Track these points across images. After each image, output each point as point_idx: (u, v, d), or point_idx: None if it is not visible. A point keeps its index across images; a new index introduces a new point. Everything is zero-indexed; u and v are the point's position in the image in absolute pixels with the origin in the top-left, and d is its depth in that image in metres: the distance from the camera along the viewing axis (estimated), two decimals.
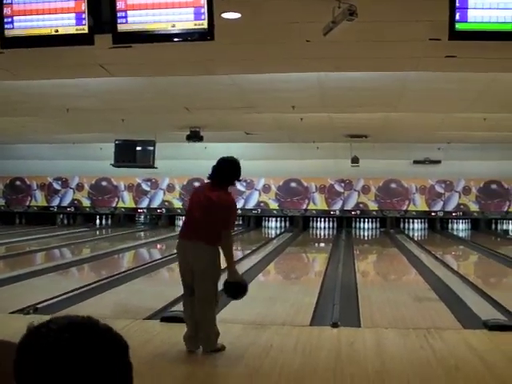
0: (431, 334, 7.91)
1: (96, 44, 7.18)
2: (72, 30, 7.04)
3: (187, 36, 6.94)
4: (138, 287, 12.11)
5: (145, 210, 29.80)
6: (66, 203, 30.01)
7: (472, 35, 6.61)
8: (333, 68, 10.66)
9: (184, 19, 6.83)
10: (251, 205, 28.64)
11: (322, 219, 28.98)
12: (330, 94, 13.33)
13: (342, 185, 28.56)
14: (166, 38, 7.03)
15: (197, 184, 27.87)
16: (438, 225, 28.64)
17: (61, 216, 30.50)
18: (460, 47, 8.14)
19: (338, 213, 28.69)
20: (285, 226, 28.98)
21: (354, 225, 28.79)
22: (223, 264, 7.31)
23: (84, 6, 6.94)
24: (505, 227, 28.37)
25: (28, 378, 1.59)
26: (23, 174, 29.82)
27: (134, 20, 6.93)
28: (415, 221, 28.80)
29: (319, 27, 7.01)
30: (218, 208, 7.23)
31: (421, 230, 28.60)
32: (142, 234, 28.11)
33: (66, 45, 7.35)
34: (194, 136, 18.63)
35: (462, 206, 28.15)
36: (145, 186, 29.51)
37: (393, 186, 28.34)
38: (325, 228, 28.76)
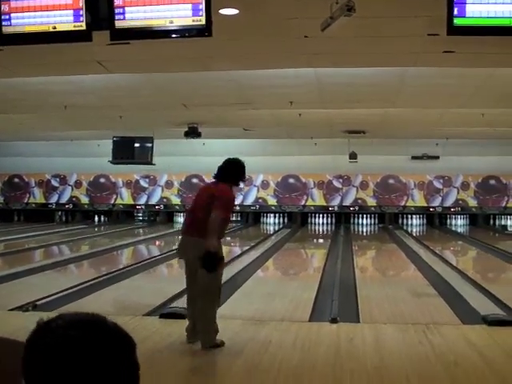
0: (430, 329, 7.91)
1: (94, 41, 7.17)
2: (70, 27, 7.03)
3: (185, 32, 6.94)
4: (136, 284, 12.11)
5: (143, 207, 29.78)
6: (64, 200, 30.01)
7: (470, 30, 6.61)
8: (331, 64, 10.66)
9: (182, 15, 6.82)
10: (250, 201, 28.63)
11: (321, 215, 28.99)
12: (328, 90, 13.33)
13: (341, 181, 28.56)
14: (164, 34, 7.02)
15: (195, 180, 28.04)
16: (436, 220, 28.65)
17: (59, 213, 30.49)
18: (458, 42, 8.15)
19: (336, 209, 28.69)
20: (283, 221, 28.99)
21: (352, 220, 28.79)
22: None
23: (82, 3, 6.93)
24: (503, 222, 28.38)
25: (35, 374, 1.59)
26: (21, 172, 29.81)
27: (132, 16, 6.92)
28: (414, 216, 28.81)
29: (317, 23, 7.01)
30: (216, 198, 7.28)
31: (419, 225, 28.61)
32: (141, 230, 28.11)
33: (63, 41, 7.33)
34: (192, 132, 18.63)
35: (460, 202, 28.16)
36: (143, 183, 29.51)
37: (391, 181, 28.34)
38: (323, 224, 28.77)
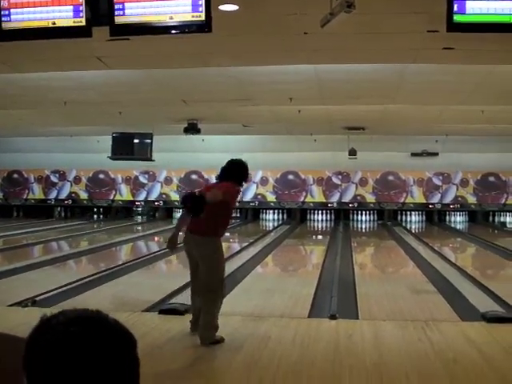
0: (429, 326, 7.92)
1: (93, 36, 7.16)
2: (69, 23, 7.02)
3: (185, 28, 6.93)
4: (135, 280, 12.11)
5: (142, 203, 29.78)
6: (63, 196, 30.01)
7: (470, 27, 6.60)
8: (330, 60, 10.65)
9: (181, 11, 6.81)
10: (249, 197, 28.63)
11: (320, 212, 28.99)
12: (327, 86, 13.32)
13: (340, 177, 28.56)
14: (164, 30, 7.01)
15: (194, 177, 28.07)
16: (435, 217, 28.65)
17: (58, 209, 30.50)
18: (458, 39, 8.15)
19: (335, 205, 28.70)
20: (282, 218, 29.00)
21: (351, 217, 28.80)
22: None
23: None
24: (502, 219, 28.39)
25: (36, 370, 1.59)
26: (21, 167, 29.81)
27: (132, 12, 6.91)
28: (413, 213, 28.82)
29: (317, 19, 6.99)
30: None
31: (418, 222, 28.62)
32: (140, 226, 28.12)
33: (63, 37, 7.32)
34: (192, 128, 18.63)
35: (459, 199, 28.17)
36: (142, 179, 29.51)
37: (390, 178, 28.34)
38: (322, 220, 28.78)
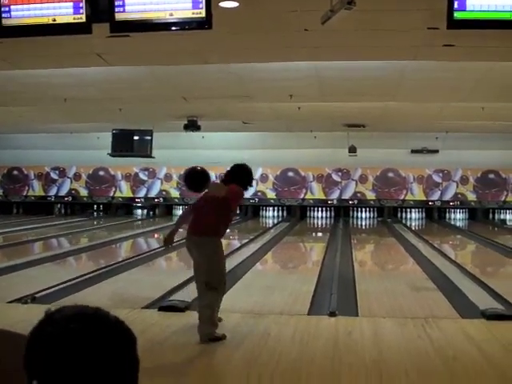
0: (429, 323, 7.91)
1: (93, 33, 7.17)
2: (69, 19, 7.03)
3: (185, 25, 6.94)
4: (135, 277, 12.11)
5: (142, 200, 29.77)
6: (63, 193, 30.00)
7: (470, 24, 6.61)
8: (331, 57, 10.66)
9: (182, 8, 6.82)
10: (248, 194, 28.55)
11: (320, 208, 28.99)
12: (327, 83, 13.32)
13: (340, 174, 28.55)
14: (164, 26, 7.02)
15: None
16: (435, 214, 28.65)
17: (58, 206, 30.49)
18: (458, 36, 8.15)
19: (335, 202, 28.69)
20: (282, 215, 28.99)
21: (351, 214, 28.78)
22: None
23: None
24: (502, 217, 28.38)
25: (36, 366, 1.59)
26: (20, 164, 29.79)
27: (132, 9, 6.92)
28: (413, 210, 28.82)
29: (317, 16, 7.00)
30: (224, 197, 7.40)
31: (418, 219, 28.62)
32: (140, 223, 28.11)
33: (63, 34, 7.33)
34: (192, 125, 18.63)
35: (459, 196, 28.17)
36: (142, 176, 29.50)
37: (390, 175, 28.34)
38: (322, 217, 28.77)
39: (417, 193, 28.35)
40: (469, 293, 10.09)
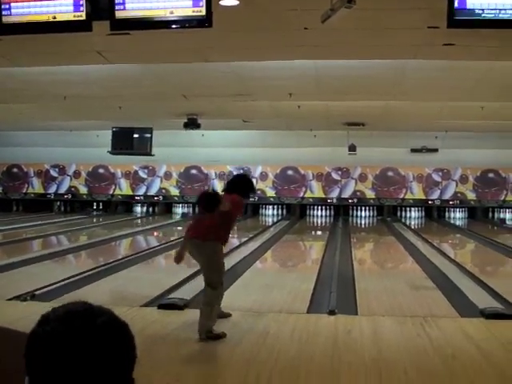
0: (428, 322, 7.92)
1: (94, 31, 7.17)
2: (70, 17, 7.03)
3: (185, 23, 6.94)
4: (135, 275, 12.11)
5: (142, 198, 29.77)
6: (63, 190, 30.01)
7: (471, 23, 6.61)
8: (331, 56, 10.65)
9: (182, 6, 6.82)
10: None
11: (319, 207, 29.00)
12: (327, 82, 13.32)
13: (339, 173, 28.57)
14: (164, 24, 7.02)
15: (194, 171, 28.09)
16: (434, 213, 28.66)
17: (58, 203, 30.48)
18: (458, 35, 8.14)
19: (335, 201, 28.71)
20: (282, 213, 28.98)
21: (351, 213, 28.79)
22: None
23: None
24: (501, 216, 28.39)
25: (34, 363, 1.60)
26: (20, 161, 29.80)
27: (132, 6, 6.92)
28: (412, 209, 28.82)
29: (317, 14, 7.00)
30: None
31: (418, 218, 28.62)
32: (139, 221, 28.12)
33: (63, 31, 7.33)
34: (192, 123, 18.63)
35: (459, 195, 28.18)
36: (142, 174, 29.50)
37: (390, 174, 28.35)
38: (322, 216, 28.77)
39: (416, 192, 28.36)
40: (468, 292, 10.09)
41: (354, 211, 28.93)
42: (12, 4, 7.11)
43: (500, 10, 6.49)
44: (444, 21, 6.67)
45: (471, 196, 28.13)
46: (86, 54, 10.14)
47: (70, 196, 30.04)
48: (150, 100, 15.91)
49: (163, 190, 29.41)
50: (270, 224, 25.91)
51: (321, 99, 15.48)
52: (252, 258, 14.29)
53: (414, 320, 8.03)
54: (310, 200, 28.79)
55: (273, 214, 28.98)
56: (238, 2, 7.65)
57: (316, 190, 28.69)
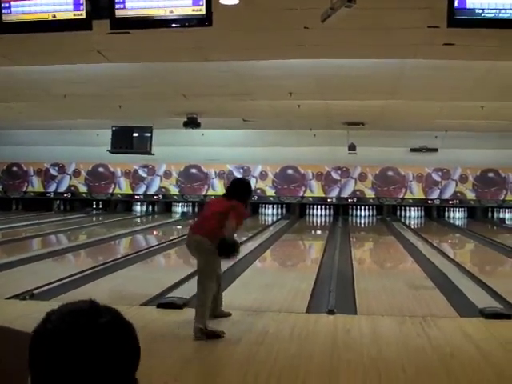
0: (427, 321, 7.93)
1: (94, 29, 7.17)
2: (70, 16, 7.03)
3: (185, 22, 6.94)
4: (134, 273, 12.11)
5: (141, 197, 29.76)
6: (62, 189, 29.99)
7: (471, 23, 6.61)
8: (331, 55, 10.65)
9: (182, 5, 6.82)
10: None
11: (319, 206, 28.98)
12: (327, 81, 13.32)
13: (339, 172, 28.56)
14: (164, 23, 7.02)
15: (193, 170, 28.10)
16: (434, 213, 28.65)
17: (57, 202, 30.47)
18: (458, 35, 8.14)
19: (334, 200, 28.69)
20: (281, 213, 28.97)
21: (350, 212, 28.78)
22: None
23: None
24: (501, 215, 28.38)
25: (37, 362, 1.60)
26: (20, 160, 29.78)
27: (132, 5, 6.92)
28: (412, 209, 28.81)
29: (317, 14, 7.00)
30: (231, 209, 7.75)
31: (417, 217, 28.61)
32: (139, 220, 28.13)
33: (63, 30, 7.33)
34: (191, 122, 18.63)
35: (458, 194, 28.18)
36: (141, 173, 29.49)
37: (390, 173, 28.35)
38: (321, 215, 28.77)
39: (416, 191, 28.35)
40: (467, 291, 10.09)
41: (354, 211, 28.92)
42: (12, 3, 7.11)
43: (500, 9, 6.49)
44: (444, 20, 6.67)
45: (471, 196, 28.13)
46: (86, 52, 10.14)
47: (69, 195, 30.03)
48: (149, 99, 15.90)
49: (163, 189, 29.40)
50: (270, 223, 25.89)
51: (321, 98, 15.49)
52: (251, 258, 14.28)
53: (414, 320, 8.04)
54: (310, 199, 28.78)
55: (272, 214, 28.97)
56: (238, 1, 7.65)
57: (316, 190, 28.68)
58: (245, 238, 18.16)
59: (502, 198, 27.89)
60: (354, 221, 27.94)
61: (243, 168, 28.24)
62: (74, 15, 7.01)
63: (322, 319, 8.11)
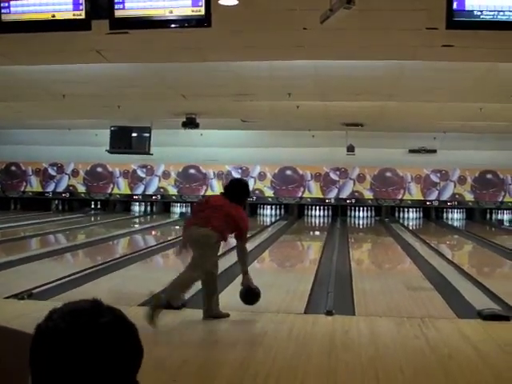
0: (425, 323, 7.92)
1: (93, 29, 7.17)
2: (69, 15, 7.03)
3: (184, 22, 6.94)
4: (133, 273, 12.11)
5: (140, 197, 29.75)
6: (61, 189, 29.98)
7: (469, 24, 6.61)
8: (330, 56, 10.66)
9: (181, 5, 6.82)
10: None
11: (317, 207, 28.99)
12: (326, 82, 13.32)
13: (338, 173, 28.56)
14: (163, 24, 7.03)
15: (192, 171, 28.09)
16: (432, 214, 28.67)
17: (56, 202, 30.46)
18: (457, 36, 8.15)
19: (333, 201, 28.70)
20: (280, 213, 28.96)
21: (349, 213, 28.78)
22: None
23: None
24: (499, 217, 28.40)
25: (36, 359, 1.60)
26: (18, 160, 29.76)
27: (132, 6, 6.92)
28: (410, 210, 28.82)
29: (316, 15, 7.00)
30: (236, 223, 8.14)
31: (416, 219, 28.63)
32: (137, 220, 28.12)
33: (62, 30, 7.33)
34: (190, 123, 18.63)
35: (457, 196, 28.19)
36: (140, 173, 29.48)
37: (388, 174, 28.35)
38: (320, 216, 28.77)
39: (414, 192, 28.37)
40: (465, 293, 10.09)
41: (352, 212, 28.93)
42: (11, 2, 7.11)
43: (499, 11, 6.50)
44: (443, 22, 6.67)
45: (469, 197, 28.15)
46: (85, 52, 10.14)
47: (67, 195, 30.02)
48: (148, 99, 15.91)
49: (161, 189, 29.40)
50: (268, 224, 25.88)
51: (320, 99, 15.49)
52: (250, 258, 14.18)
53: (412, 321, 8.03)
54: (308, 200, 28.79)
55: (271, 214, 28.96)
56: (237, 2, 7.66)
57: (314, 190, 28.69)
58: None
59: (500, 199, 27.91)
60: (353, 222, 27.96)
61: (242, 168, 28.25)
62: (74, 15, 7.01)
63: (320, 320, 8.11)
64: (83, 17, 7.01)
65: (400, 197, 28.41)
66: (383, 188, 28.35)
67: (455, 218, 28.64)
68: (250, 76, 12.94)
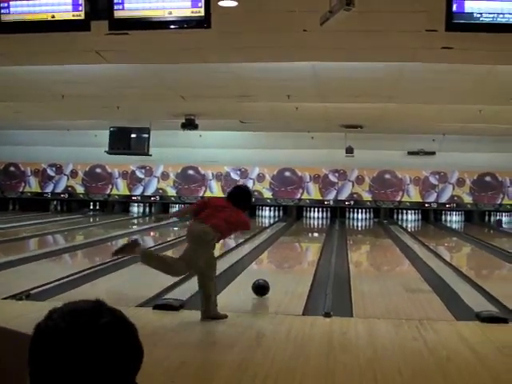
0: (423, 325, 7.92)
1: (92, 30, 7.17)
2: (68, 16, 7.03)
3: (184, 23, 6.94)
4: (131, 274, 12.09)
5: (139, 198, 29.75)
6: (59, 190, 29.98)
7: (469, 27, 6.61)
8: (329, 58, 10.66)
9: (181, 6, 6.83)
10: None
11: (316, 209, 28.99)
12: (325, 84, 13.33)
13: (336, 175, 28.57)
14: (163, 25, 7.03)
15: (191, 172, 28.10)
16: (431, 216, 28.68)
17: (54, 202, 30.45)
18: (457, 39, 8.15)
19: (331, 203, 28.71)
20: (278, 215, 28.97)
21: (347, 215, 28.79)
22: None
23: None
24: (498, 217, 28.39)
25: (34, 358, 1.60)
26: (17, 160, 29.76)
27: (131, 7, 6.92)
28: (409, 212, 28.83)
29: (316, 17, 7.00)
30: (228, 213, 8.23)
31: (414, 221, 28.63)
32: (136, 221, 28.10)
33: (62, 31, 7.34)
34: (189, 124, 18.63)
35: (455, 198, 28.20)
36: (139, 174, 29.48)
37: (387, 176, 28.36)
38: (318, 218, 28.77)
39: (413, 194, 28.38)
40: (464, 295, 10.08)
41: (351, 213, 28.94)
42: (11, 3, 7.11)
43: (498, 13, 6.50)
44: (442, 24, 6.67)
45: (468, 199, 28.16)
46: (85, 53, 10.14)
47: (66, 195, 30.02)
48: (147, 100, 15.91)
49: (160, 191, 29.41)
50: (267, 225, 25.88)
51: (319, 101, 15.50)
52: (248, 260, 14.29)
53: (410, 323, 8.03)
54: (307, 202, 28.79)
55: (269, 216, 28.97)
56: (236, 3, 7.66)
57: (313, 192, 28.69)
58: (241, 240, 18.15)
59: (498, 201, 27.93)
60: (351, 224, 27.96)
61: (240, 170, 28.27)
62: (73, 16, 7.01)
63: (319, 322, 8.10)
64: (83, 17, 7.01)
65: (399, 199, 28.42)
66: (382, 190, 28.36)
67: (454, 220, 28.65)
68: (249, 77, 12.94)
